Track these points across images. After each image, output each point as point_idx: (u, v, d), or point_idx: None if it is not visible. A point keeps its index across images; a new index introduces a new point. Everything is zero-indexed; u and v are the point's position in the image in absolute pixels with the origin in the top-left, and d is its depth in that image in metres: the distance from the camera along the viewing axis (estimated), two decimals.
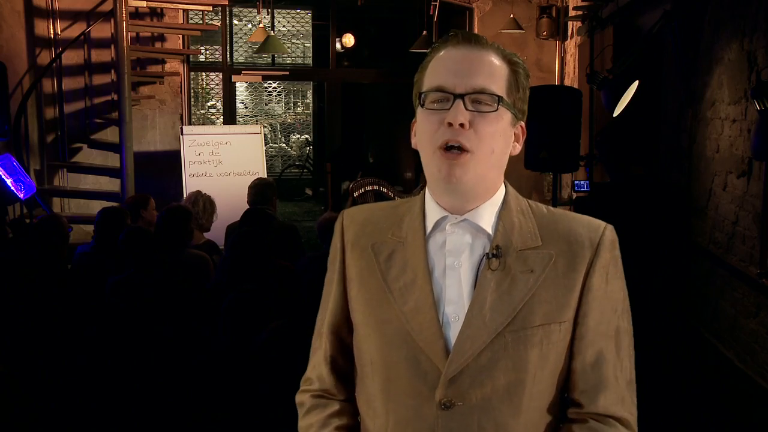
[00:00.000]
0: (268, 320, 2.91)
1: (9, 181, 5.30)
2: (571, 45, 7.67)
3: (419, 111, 1.24)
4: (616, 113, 4.45)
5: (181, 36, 7.71)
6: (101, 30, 7.05)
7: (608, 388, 1.22)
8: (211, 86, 12.27)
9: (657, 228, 3.91)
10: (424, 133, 1.22)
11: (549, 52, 8.00)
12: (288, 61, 11.90)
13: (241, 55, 11.56)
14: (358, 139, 10.91)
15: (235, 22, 11.48)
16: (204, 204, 4.72)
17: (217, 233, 4.87)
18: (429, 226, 1.26)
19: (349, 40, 10.96)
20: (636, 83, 4.39)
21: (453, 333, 1.20)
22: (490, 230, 1.24)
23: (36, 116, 6.95)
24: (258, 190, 4.89)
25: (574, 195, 5.96)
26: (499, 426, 1.18)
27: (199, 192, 4.83)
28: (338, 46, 10.34)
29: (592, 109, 5.65)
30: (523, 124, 1.28)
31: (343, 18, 10.02)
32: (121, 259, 3.66)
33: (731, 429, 3.73)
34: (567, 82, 7.77)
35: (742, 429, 3.67)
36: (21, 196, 5.42)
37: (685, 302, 4.42)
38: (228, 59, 9.86)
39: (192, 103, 9.05)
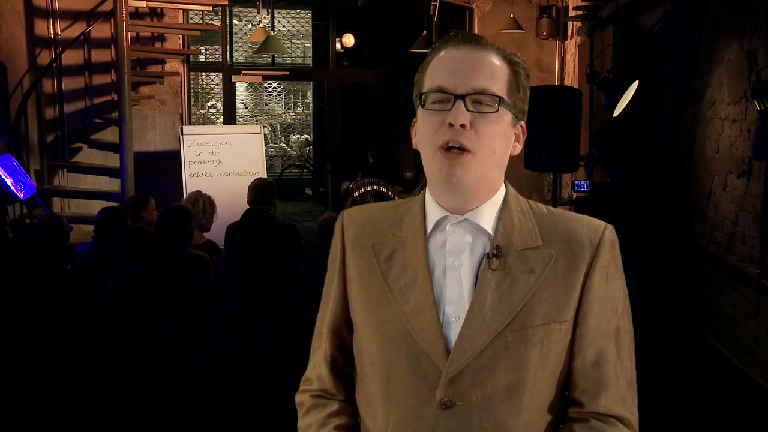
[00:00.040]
0: (268, 320, 2.91)
1: (9, 181, 5.30)
2: (571, 45, 7.67)
3: (420, 111, 1.24)
4: (616, 113, 4.45)
5: (181, 36, 7.71)
6: (101, 30, 7.05)
7: (609, 388, 1.22)
8: (211, 86, 12.27)
9: (657, 228, 3.91)
10: (425, 134, 1.22)
11: (549, 52, 8.00)
12: (288, 61, 11.90)
13: (241, 55, 11.56)
14: (358, 139, 10.91)
15: (235, 22, 11.48)
16: (204, 204, 4.72)
17: (217, 233, 4.87)
18: (429, 226, 1.26)
19: (349, 40, 10.96)
20: (636, 83, 4.39)
21: (453, 333, 1.20)
22: (490, 230, 1.24)
23: (36, 116, 6.95)
24: (258, 190, 4.89)
25: (574, 195, 5.96)
26: (500, 425, 1.18)
27: (199, 192, 4.83)
28: (338, 46, 10.34)
29: (592, 109, 5.65)
30: (523, 124, 1.29)
31: (343, 18, 10.02)
32: (121, 259, 3.65)
33: (731, 429, 3.73)
34: (567, 82, 7.77)
35: (742, 429, 3.67)
36: (21, 196, 5.42)
37: (685, 302, 4.42)
38: (228, 59, 9.86)
39: (192, 103, 9.05)
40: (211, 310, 3.16)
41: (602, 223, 1.27)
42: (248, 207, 4.77)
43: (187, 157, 6.90)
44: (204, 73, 12.00)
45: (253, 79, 10.95)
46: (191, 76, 8.73)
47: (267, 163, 8.31)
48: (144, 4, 6.95)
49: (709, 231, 4.11)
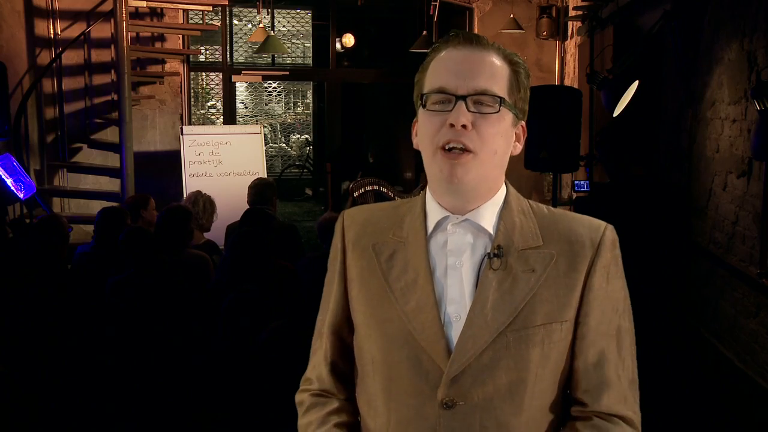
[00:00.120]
0: (268, 320, 2.91)
1: (9, 181, 5.30)
2: (571, 45, 7.67)
3: (421, 111, 1.24)
4: (616, 113, 4.45)
5: (181, 36, 7.71)
6: (101, 30, 7.05)
7: (611, 388, 1.22)
8: (211, 86, 12.27)
9: (657, 228, 3.92)
10: (426, 134, 1.22)
11: (549, 52, 8.00)
12: (288, 61, 11.90)
13: (241, 55, 11.56)
14: (358, 139, 10.92)
15: (235, 22, 11.48)
16: (204, 204, 4.72)
17: (217, 233, 4.87)
18: (430, 226, 1.26)
19: (349, 40, 10.96)
20: (636, 83, 4.40)
21: (455, 332, 1.20)
22: (491, 230, 1.24)
23: (36, 116, 6.95)
24: (258, 190, 4.89)
25: (574, 195, 5.96)
26: (501, 425, 1.19)
27: (199, 192, 4.83)
28: (338, 46, 10.35)
29: (592, 109, 5.65)
30: (523, 123, 1.29)
31: (343, 18, 10.02)
32: (121, 259, 3.65)
33: (731, 429, 3.73)
34: (567, 82, 7.77)
35: (742, 429, 3.67)
36: (21, 196, 5.42)
37: (685, 302, 4.42)
38: (228, 59, 9.86)
39: (192, 103, 9.05)
40: (211, 310, 3.16)
41: (603, 223, 1.27)
42: (248, 207, 4.77)
43: (187, 157, 6.90)
44: (204, 73, 12.00)
45: (253, 79, 10.95)
46: (191, 76, 8.73)
47: (267, 163, 8.31)
48: (144, 4, 6.95)
49: (709, 231, 4.11)
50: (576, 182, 5.97)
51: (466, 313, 1.20)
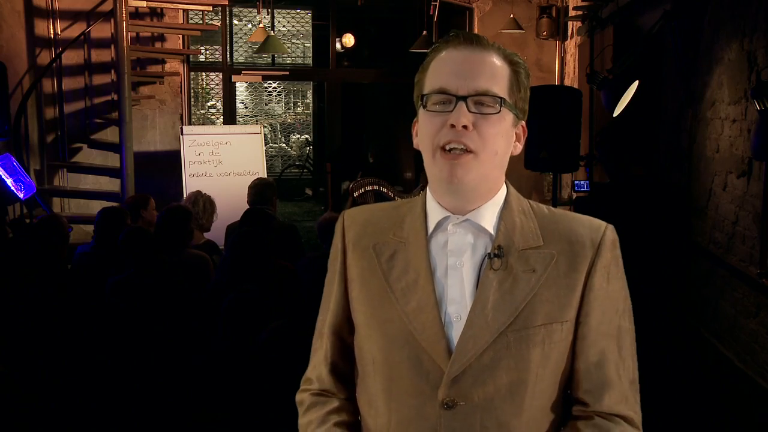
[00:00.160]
0: (268, 320, 2.91)
1: (9, 181, 5.30)
2: (571, 45, 7.67)
3: (421, 112, 1.24)
4: (616, 113, 4.45)
5: (181, 36, 7.71)
6: (101, 30, 7.05)
7: (612, 388, 1.23)
8: (211, 86, 12.27)
9: (657, 228, 3.92)
10: (427, 135, 1.23)
11: (549, 52, 8.00)
12: (288, 61, 11.90)
13: (241, 55, 11.56)
14: (358, 139, 10.92)
15: (235, 22, 11.48)
16: (204, 204, 4.72)
17: (217, 233, 4.86)
18: (431, 226, 1.26)
19: (349, 40, 10.96)
20: (636, 83, 4.40)
21: (455, 333, 1.20)
22: (491, 230, 1.24)
23: (36, 116, 6.95)
24: (258, 190, 4.89)
25: (574, 195, 5.96)
26: (502, 425, 1.19)
27: (199, 192, 4.83)
28: (338, 46, 10.35)
29: (592, 109, 5.65)
30: (524, 123, 1.29)
31: (343, 18, 10.02)
32: (121, 259, 3.65)
33: (731, 429, 3.73)
34: (567, 82, 7.77)
35: (742, 429, 3.67)
36: (21, 196, 5.42)
37: (685, 302, 4.42)
38: (228, 59, 9.86)
39: (192, 103, 9.05)
40: (211, 310, 3.16)
41: (603, 223, 1.27)
42: (248, 207, 4.77)
43: (187, 157, 6.90)
44: (204, 73, 12.00)
45: (253, 79, 10.95)
46: (191, 76, 8.73)
47: (267, 163, 8.31)
48: (144, 4, 6.95)
49: (709, 231, 4.11)
50: (576, 182, 5.97)
51: (467, 313, 1.20)
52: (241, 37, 11.54)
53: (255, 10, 9.78)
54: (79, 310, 3.41)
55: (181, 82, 7.76)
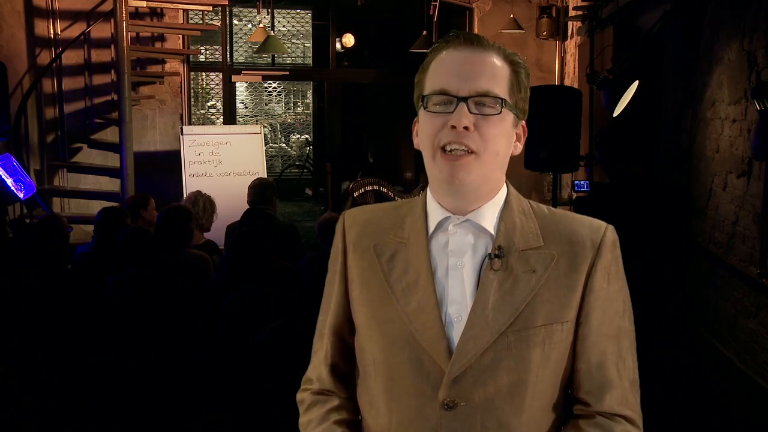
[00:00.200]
0: (268, 320, 2.91)
1: (9, 181, 5.30)
2: (571, 45, 7.67)
3: (422, 112, 1.24)
4: (616, 113, 4.45)
5: (181, 36, 7.71)
6: (101, 30, 7.05)
7: (614, 388, 1.23)
8: (211, 86, 12.27)
9: (657, 228, 3.91)
10: (427, 135, 1.22)
11: (549, 52, 8.00)
12: (288, 61, 11.90)
13: (241, 55, 11.56)
14: (358, 139, 10.91)
15: (235, 22, 11.48)
16: (204, 204, 4.72)
17: (217, 233, 4.86)
18: (431, 226, 1.26)
19: (349, 40, 10.96)
20: (636, 83, 4.39)
21: (456, 333, 1.20)
22: (492, 230, 1.24)
23: (36, 116, 6.95)
24: (258, 190, 4.89)
25: (574, 195, 5.96)
26: (502, 425, 1.19)
27: (199, 192, 4.83)
28: (338, 46, 10.35)
29: (592, 109, 5.65)
30: (524, 123, 1.29)
31: (343, 18, 10.02)
32: (121, 259, 3.65)
33: (731, 429, 3.73)
34: (567, 82, 7.77)
35: (742, 429, 3.67)
36: (21, 196, 5.42)
37: (685, 302, 4.42)
38: (228, 59, 9.86)
39: (192, 103, 9.05)
40: (211, 310, 3.16)
41: (603, 224, 1.27)
42: (248, 207, 4.77)
43: (187, 157, 6.90)
44: (204, 73, 12.00)
45: (253, 79, 10.95)
46: (191, 76, 8.73)
47: (267, 163, 8.31)
48: (144, 4, 6.95)
49: (709, 231, 4.11)
50: (576, 182, 5.97)
51: (467, 313, 1.20)
52: (241, 37, 11.54)
53: (255, 10, 9.78)
54: (79, 310, 3.41)
55: (181, 82, 7.76)
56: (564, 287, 1.21)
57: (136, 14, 7.14)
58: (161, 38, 7.65)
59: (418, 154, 1.27)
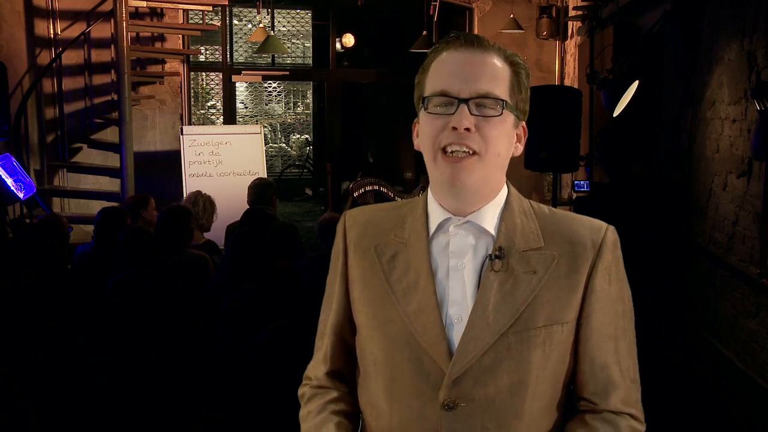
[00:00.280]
0: (268, 320, 2.91)
1: (9, 181, 5.30)
2: (571, 45, 7.67)
3: (422, 113, 1.24)
4: (616, 113, 4.45)
5: (181, 36, 7.71)
6: (101, 30, 7.05)
7: (618, 388, 1.24)
8: (211, 86, 12.27)
9: (657, 228, 3.91)
10: (428, 136, 1.22)
11: (549, 52, 8.00)
12: (288, 61, 11.90)
13: (241, 55, 11.56)
14: (358, 139, 10.91)
15: (235, 22, 11.48)
16: (204, 204, 4.72)
17: (217, 233, 4.86)
18: (432, 227, 1.27)
19: (349, 40, 10.96)
20: (636, 83, 4.39)
21: (456, 334, 1.20)
22: (493, 231, 1.24)
23: (36, 116, 6.95)
24: (258, 190, 4.89)
25: (574, 195, 5.96)
26: (502, 426, 1.19)
27: (199, 192, 4.83)
28: (338, 46, 10.35)
29: (592, 109, 5.65)
30: (524, 124, 1.29)
31: (343, 18, 10.02)
32: (121, 259, 3.65)
33: (731, 429, 3.73)
34: (567, 82, 7.77)
35: (742, 429, 3.67)
36: (21, 196, 5.42)
37: (685, 302, 4.42)
38: (228, 59, 9.86)
39: (192, 103, 9.05)
40: (211, 310, 3.16)
41: (604, 224, 1.27)
42: (248, 207, 4.77)
43: (187, 157, 6.90)
44: (204, 73, 12.00)
45: (253, 79, 10.95)
46: (191, 76, 8.73)
47: (267, 163, 8.31)
48: (144, 4, 6.95)
49: (709, 231, 4.11)
50: (576, 182, 5.97)
51: (468, 314, 1.20)
52: (241, 37, 11.54)
53: (255, 10, 9.78)
54: (79, 310, 3.41)
55: (181, 82, 7.76)
56: (565, 288, 1.21)
57: (136, 14, 7.14)
58: (161, 38, 7.65)
59: (418, 155, 1.27)
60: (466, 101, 1.18)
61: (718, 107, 3.99)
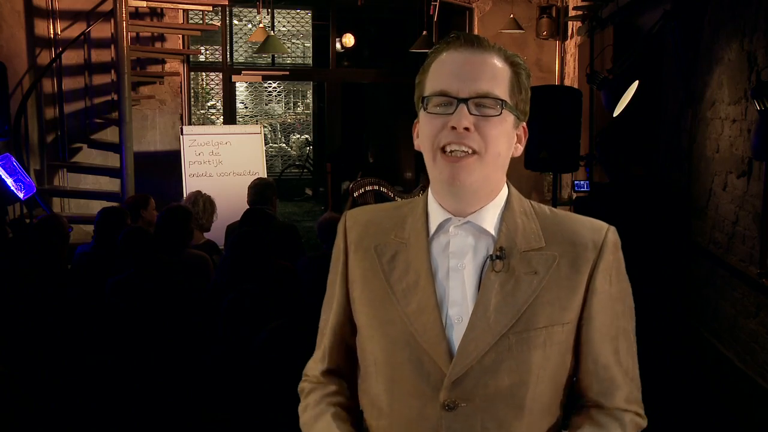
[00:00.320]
0: (268, 320, 2.90)
1: (9, 181, 5.30)
2: (571, 45, 7.67)
3: (422, 114, 1.24)
4: (616, 113, 4.45)
5: (181, 36, 7.71)
6: (101, 30, 7.05)
7: (621, 388, 1.25)
8: (211, 86, 12.27)
9: (657, 228, 3.91)
10: (427, 136, 1.23)
11: (549, 52, 8.00)
12: (288, 61, 11.89)
13: (241, 55, 11.56)
14: (358, 139, 10.91)
15: (235, 22, 11.48)
16: (204, 204, 4.72)
17: (217, 233, 4.86)
18: (432, 228, 1.27)
19: (349, 40, 10.96)
20: (636, 83, 4.39)
21: (456, 334, 1.20)
22: (493, 232, 1.24)
23: (36, 116, 6.95)
24: (258, 190, 4.89)
25: (574, 195, 5.96)
26: (503, 426, 1.19)
27: (199, 192, 4.83)
28: (338, 46, 10.34)
29: (592, 109, 5.65)
30: (524, 124, 1.29)
31: (343, 18, 10.02)
32: (121, 259, 3.65)
33: (731, 429, 3.73)
34: (567, 82, 7.77)
35: (742, 429, 3.67)
36: (21, 196, 5.42)
37: (685, 302, 4.42)
38: (228, 59, 9.86)
39: (192, 103, 9.05)
40: (211, 310, 3.16)
41: (605, 225, 1.27)
42: (248, 207, 4.77)
43: (187, 157, 6.90)
44: (204, 73, 11.99)
45: (253, 79, 10.95)
46: (191, 76, 8.73)
47: (267, 163, 8.31)
48: (144, 4, 6.95)
49: (709, 231, 4.11)
50: (576, 182, 5.97)
51: (468, 315, 1.20)
52: (241, 37, 11.54)
53: (255, 10, 9.77)
54: (79, 310, 3.41)
55: (181, 82, 7.76)
56: (565, 289, 1.21)
57: (136, 14, 7.14)
58: (161, 38, 7.65)
59: (418, 154, 1.27)
60: (465, 101, 1.18)
61: (718, 107, 3.99)
